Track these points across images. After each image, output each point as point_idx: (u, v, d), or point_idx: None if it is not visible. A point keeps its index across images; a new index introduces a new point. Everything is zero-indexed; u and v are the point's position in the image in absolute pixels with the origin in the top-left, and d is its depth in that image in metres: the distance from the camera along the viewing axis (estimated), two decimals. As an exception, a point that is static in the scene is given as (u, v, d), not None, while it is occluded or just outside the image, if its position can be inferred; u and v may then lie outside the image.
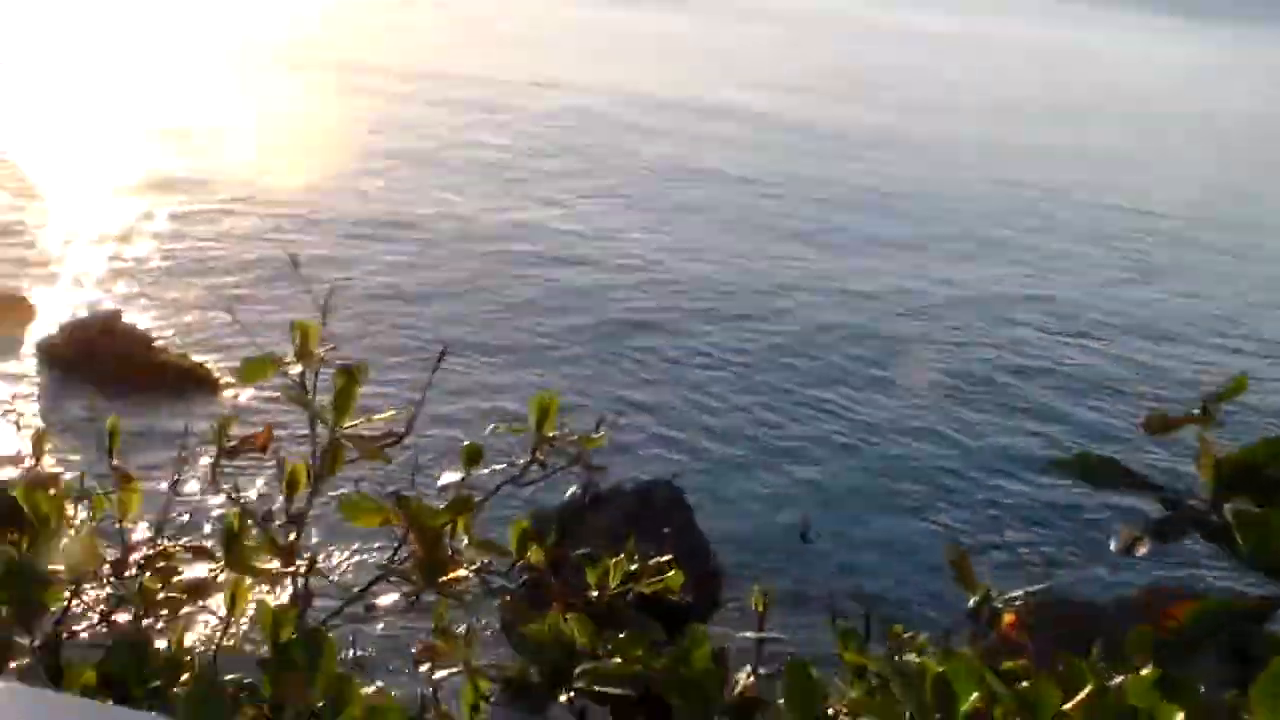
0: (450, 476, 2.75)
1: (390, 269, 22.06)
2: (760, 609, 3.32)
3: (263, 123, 32.48)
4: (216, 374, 17.44)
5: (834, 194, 32.71)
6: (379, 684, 2.60)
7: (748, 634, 3.19)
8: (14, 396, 16.48)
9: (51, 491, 2.62)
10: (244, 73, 40.46)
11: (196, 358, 17.71)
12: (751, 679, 2.94)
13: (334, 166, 28.24)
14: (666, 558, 3.16)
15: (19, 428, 15.39)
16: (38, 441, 2.82)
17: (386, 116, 35.76)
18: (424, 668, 2.79)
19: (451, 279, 21.97)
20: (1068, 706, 2.17)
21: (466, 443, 2.75)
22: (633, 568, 3.05)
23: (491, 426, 3.05)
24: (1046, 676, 2.21)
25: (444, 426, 15.18)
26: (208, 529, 11.31)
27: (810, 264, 25.77)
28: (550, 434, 2.89)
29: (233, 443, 2.77)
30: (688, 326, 21.29)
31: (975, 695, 2.19)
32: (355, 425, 2.80)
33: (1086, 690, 2.15)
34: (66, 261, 21.51)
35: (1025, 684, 2.21)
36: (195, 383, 17.11)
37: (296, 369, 2.82)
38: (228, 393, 17.07)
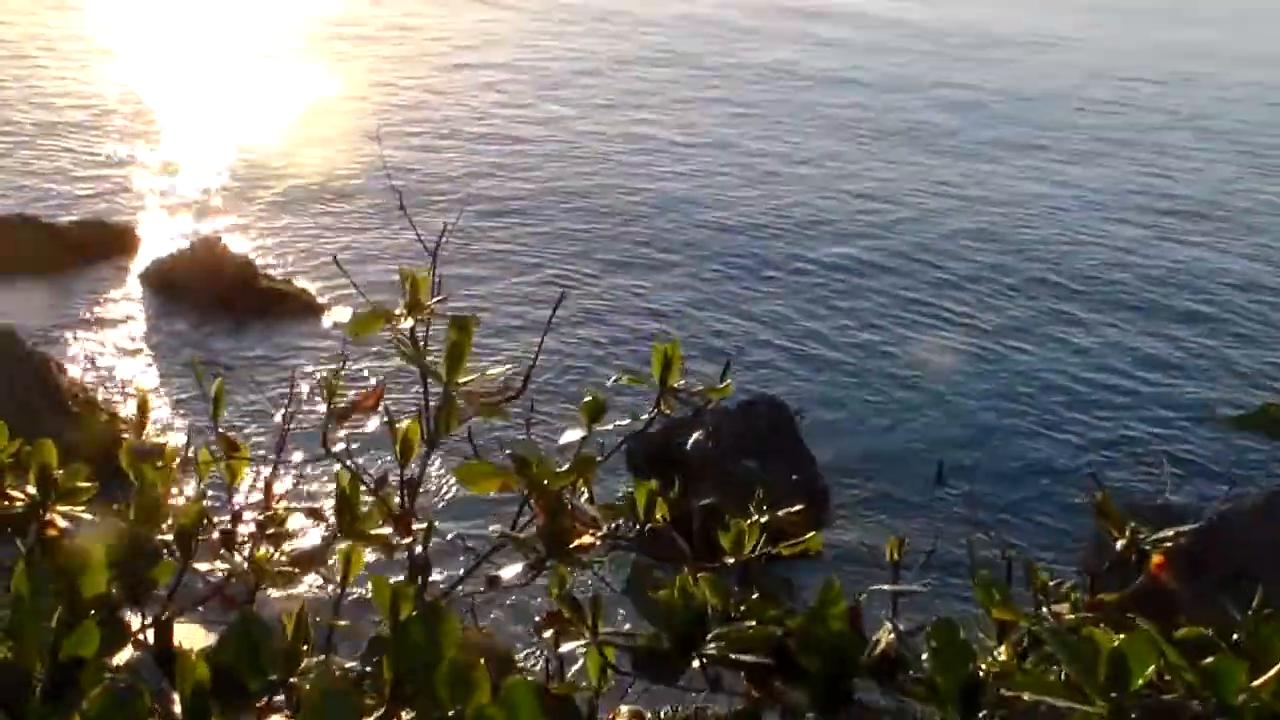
0: (572, 434, 2.58)
1: (497, 201, 21.40)
2: (895, 558, 3.13)
3: (370, 61, 32.27)
4: (319, 298, 17.50)
5: (945, 96, 31.79)
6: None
7: (883, 586, 3.00)
8: (121, 324, 16.68)
9: (159, 464, 2.50)
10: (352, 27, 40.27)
11: (299, 284, 17.79)
12: (892, 637, 2.76)
13: (436, 91, 27.80)
14: (797, 508, 2.98)
15: (124, 355, 15.66)
16: (142, 407, 2.69)
17: (486, 32, 35.40)
18: (547, 634, 2.64)
19: (561, 204, 21.37)
20: (1258, 683, 1.98)
21: (587, 398, 2.58)
22: (762, 519, 2.87)
23: (614, 379, 2.86)
24: (1227, 653, 2.02)
25: (559, 372, 14.95)
26: (314, 488, 11.42)
27: (926, 168, 25.10)
28: (675, 384, 2.71)
29: (343, 405, 2.63)
30: (802, 236, 20.86)
31: (1151, 669, 2.01)
32: (469, 381, 2.64)
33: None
34: (172, 192, 21.71)
35: (1209, 660, 2.01)
36: (298, 307, 17.18)
37: (407, 322, 2.66)
38: (329, 318, 17.11)
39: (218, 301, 16.91)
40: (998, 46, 39.36)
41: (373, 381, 12.87)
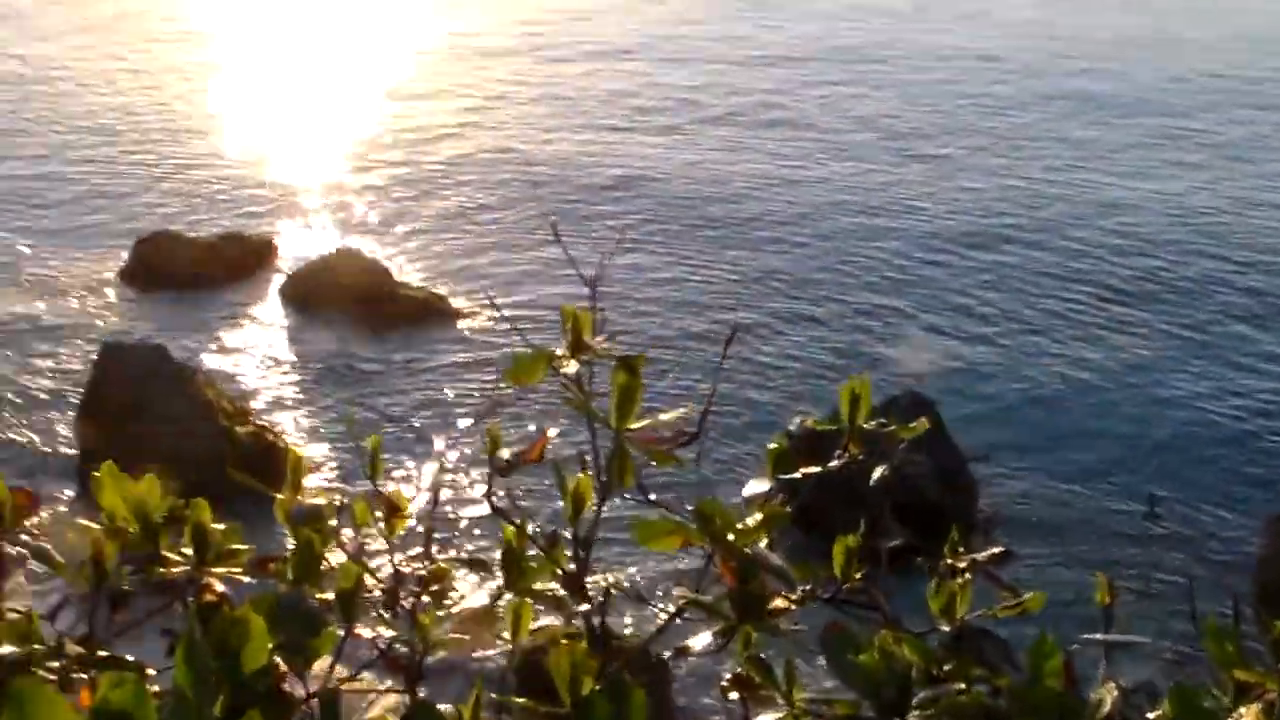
0: (756, 485, 2.38)
1: (652, 228, 20.33)
2: (1107, 600, 2.86)
3: (510, 84, 32.30)
4: (460, 307, 17.53)
5: (1078, 105, 30.66)
6: None
7: (1096, 635, 2.74)
8: (264, 336, 16.91)
9: (318, 526, 2.36)
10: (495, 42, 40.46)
11: (441, 292, 17.85)
12: (1115, 696, 2.51)
13: (580, 123, 27.19)
14: (1000, 550, 2.73)
15: (267, 367, 15.87)
16: (296, 467, 2.55)
17: (626, 77, 35.10)
18: (733, 696, 2.45)
19: (726, 234, 20.17)
20: None
21: (771, 444, 2.39)
22: (963, 567, 2.64)
23: (797, 420, 2.65)
24: None
25: (730, 412, 13.91)
26: (475, 535, 11.28)
27: (1066, 176, 24.09)
28: (864, 425, 2.49)
29: (506, 457, 2.46)
30: (956, 252, 19.99)
31: None
32: (640, 426, 2.45)
33: None
34: (310, 202, 21.95)
35: None
36: (438, 315, 17.24)
37: (571, 366, 2.48)
38: (466, 322, 17.14)
39: (358, 312, 17.05)
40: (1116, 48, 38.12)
41: (531, 427, 12.80)
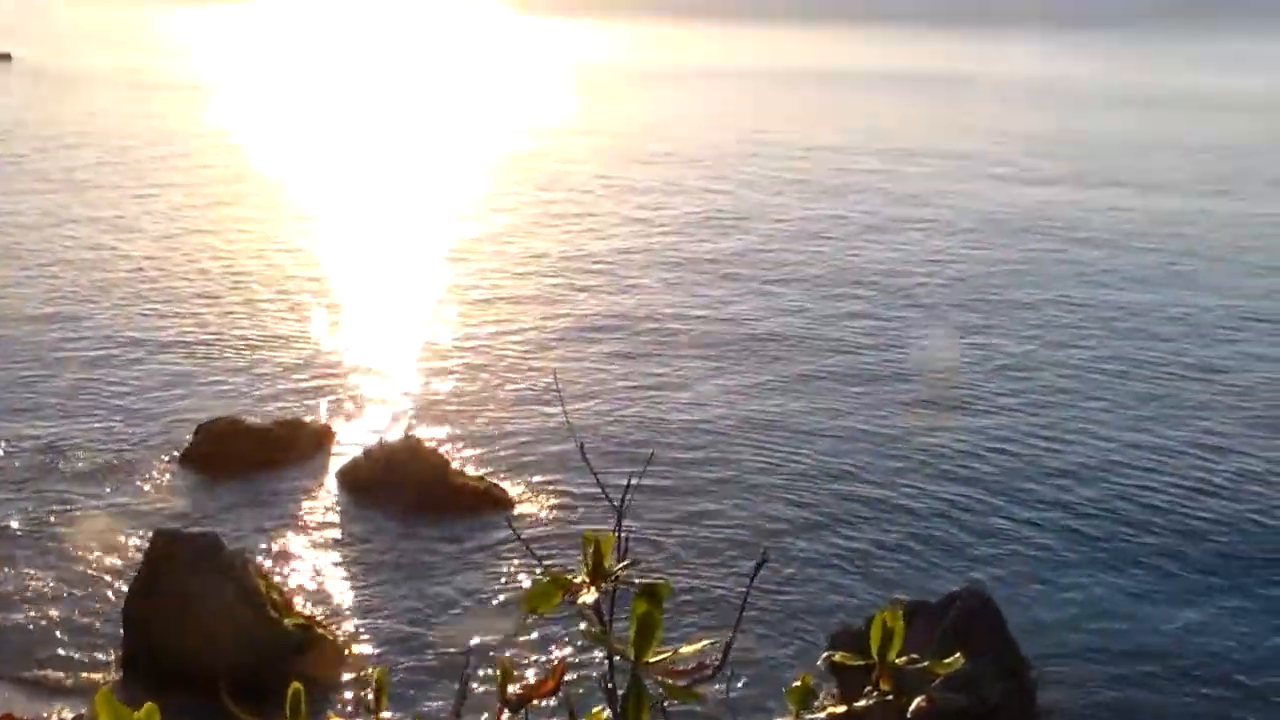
0: (779, 729, 2.24)
1: (684, 455, 19.46)
2: None
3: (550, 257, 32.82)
4: (513, 494, 17.53)
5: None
6: None
7: None
8: (319, 523, 16.89)
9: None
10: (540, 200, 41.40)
11: (493, 479, 17.86)
12: None
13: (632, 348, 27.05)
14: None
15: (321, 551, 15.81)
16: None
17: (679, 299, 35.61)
18: None
19: (757, 469, 19.16)
20: None
21: (795, 683, 2.26)
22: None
23: (824, 656, 2.52)
24: None
25: (756, 638, 13.47)
26: None
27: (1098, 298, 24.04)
28: (896, 660, 2.36)
29: (518, 692, 2.35)
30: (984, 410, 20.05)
31: None
32: (660, 660, 2.33)
33: None
34: (373, 388, 22.11)
35: None
36: (492, 504, 17.20)
37: (589, 595, 2.38)
38: (524, 509, 17.09)
39: (415, 502, 17.04)
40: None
41: (553, 655, 12.58)
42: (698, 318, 26.88)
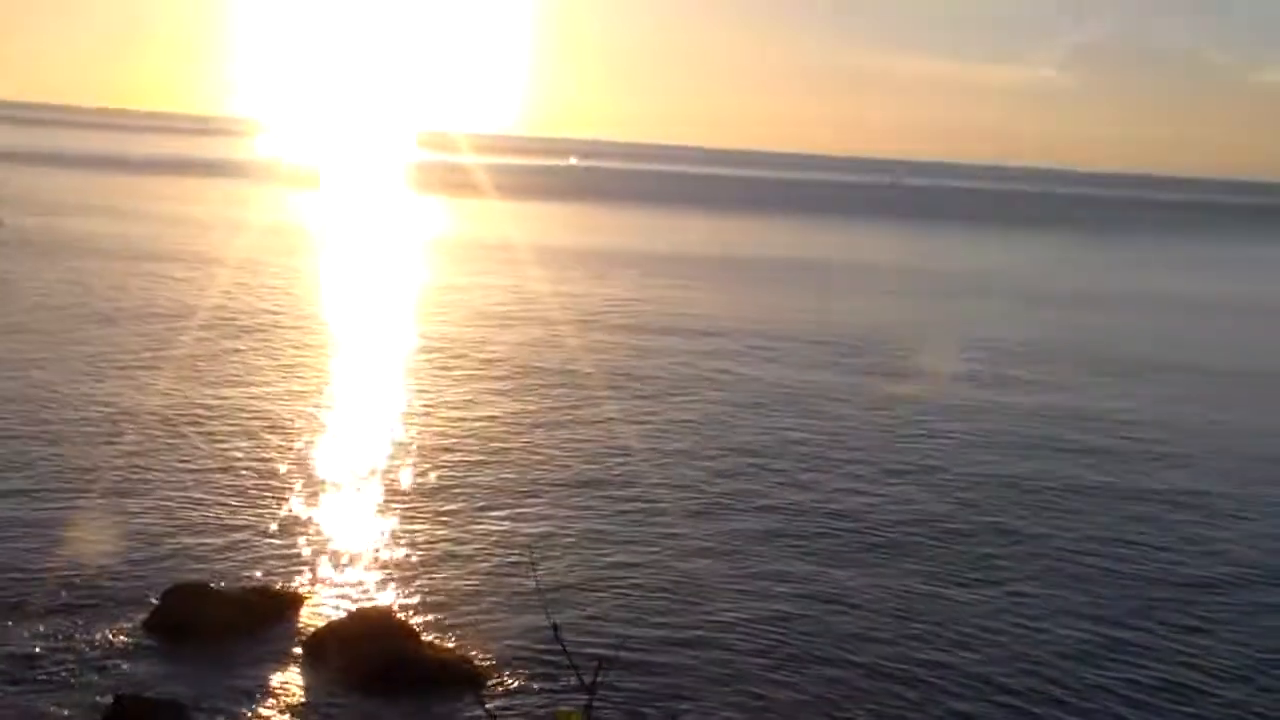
0: None
1: (662, 636, 18.98)
2: None
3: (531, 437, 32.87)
4: (483, 666, 17.25)
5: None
6: None
7: None
8: (279, 694, 16.51)
9: None
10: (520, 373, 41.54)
11: (463, 650, 17.58)
12: None
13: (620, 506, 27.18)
14: None
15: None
16: None
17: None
18: None
19: (737, 644, 18.92)
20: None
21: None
22: None
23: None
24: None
25: None
26: None
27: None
28: None
29: None
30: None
31: None
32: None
33: None
34: (342, 553, 21.87)
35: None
36: (462, 678, 16.93)
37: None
38: (494, 682, 16.81)
39: (378, 672, 16.72)
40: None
41: None
42: (678, 475, 26.83)
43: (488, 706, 16.25)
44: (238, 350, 39.91)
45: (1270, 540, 25.78)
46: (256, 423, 30.66)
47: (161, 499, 24.17)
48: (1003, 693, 17.58)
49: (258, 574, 20.43)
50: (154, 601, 18.63)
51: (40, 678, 16.41)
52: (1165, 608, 21.36)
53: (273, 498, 24.63)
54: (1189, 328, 62.53)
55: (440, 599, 19.80)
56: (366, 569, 21.16)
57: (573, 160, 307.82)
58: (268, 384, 35.24)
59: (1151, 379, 44.94)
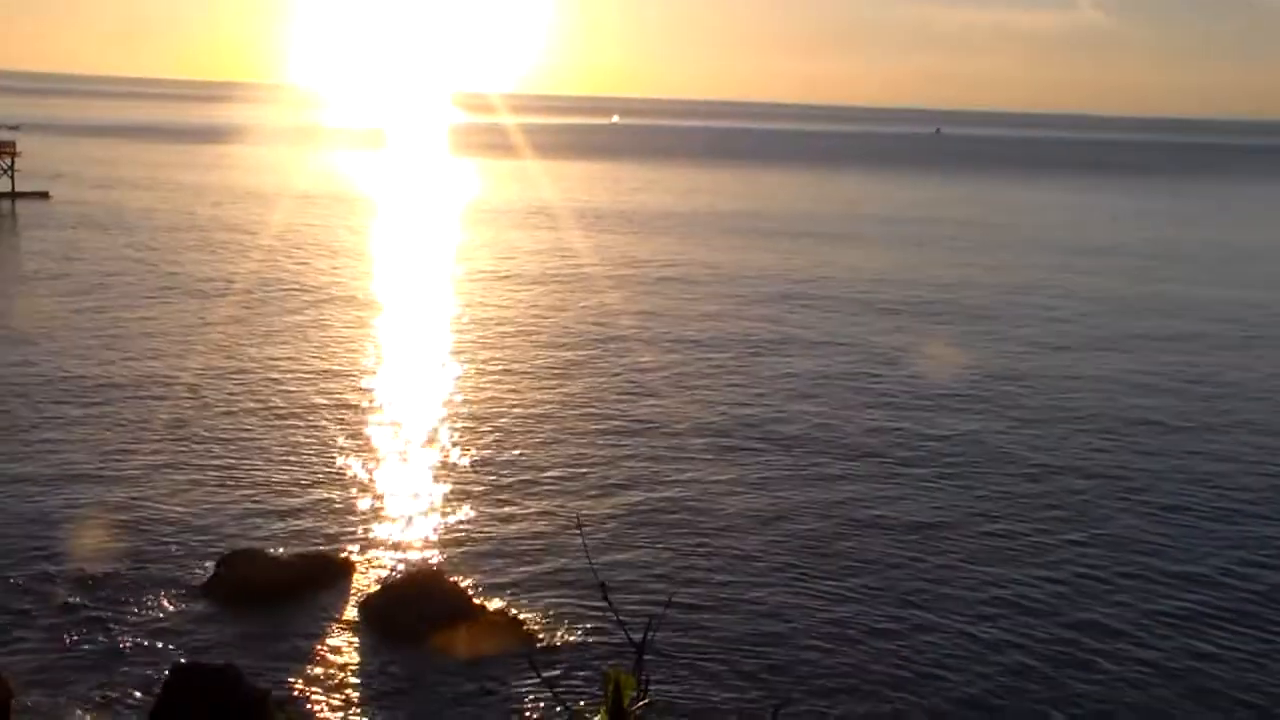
0: None
1: (707, 594, 19.15)
2: None
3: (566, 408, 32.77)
4: (533, 627, 17.40)
5: None
6: None
7: None
8: (335, 655, 16.73)
9: None
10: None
11: (513, 611, 17.74)
12: None
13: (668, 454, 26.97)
14: None
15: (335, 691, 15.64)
16: None
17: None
18: None
19: (776, 611, 18.88)
20: None
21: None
22: None
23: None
24: None
25: None
26: None
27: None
28: None
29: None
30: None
31: None
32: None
33: None
34: (397, 520, 22.04)
35: None
36: (512, 637, 17.07)
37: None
38: (543, 642, 16.96)
39: (435, 634, 16.91)
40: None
41: None
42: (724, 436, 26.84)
43: (538, 667, 16.43)
44: (295, 320, 40.10)
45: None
46: (308, 389, 30.93)
47: (219, 466, 24.47)
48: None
49: (312, 539, 20.67)
50: (210, 567, 18.91)
51: (103, 642, 16.73)
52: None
53: (323, 464, 24.87)
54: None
55: (490, 561, 19.98)
56: (417, 533, 21.36)
57: (615, 119, 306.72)
58: (319, 355, 35.45)
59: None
